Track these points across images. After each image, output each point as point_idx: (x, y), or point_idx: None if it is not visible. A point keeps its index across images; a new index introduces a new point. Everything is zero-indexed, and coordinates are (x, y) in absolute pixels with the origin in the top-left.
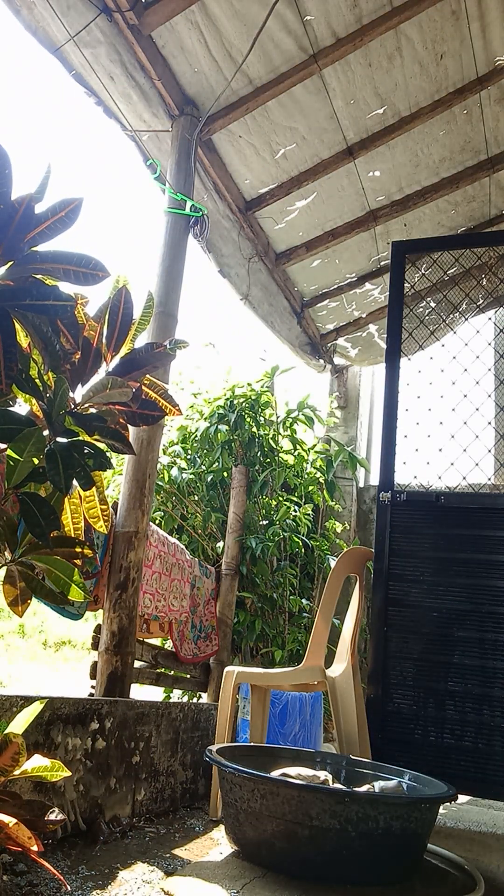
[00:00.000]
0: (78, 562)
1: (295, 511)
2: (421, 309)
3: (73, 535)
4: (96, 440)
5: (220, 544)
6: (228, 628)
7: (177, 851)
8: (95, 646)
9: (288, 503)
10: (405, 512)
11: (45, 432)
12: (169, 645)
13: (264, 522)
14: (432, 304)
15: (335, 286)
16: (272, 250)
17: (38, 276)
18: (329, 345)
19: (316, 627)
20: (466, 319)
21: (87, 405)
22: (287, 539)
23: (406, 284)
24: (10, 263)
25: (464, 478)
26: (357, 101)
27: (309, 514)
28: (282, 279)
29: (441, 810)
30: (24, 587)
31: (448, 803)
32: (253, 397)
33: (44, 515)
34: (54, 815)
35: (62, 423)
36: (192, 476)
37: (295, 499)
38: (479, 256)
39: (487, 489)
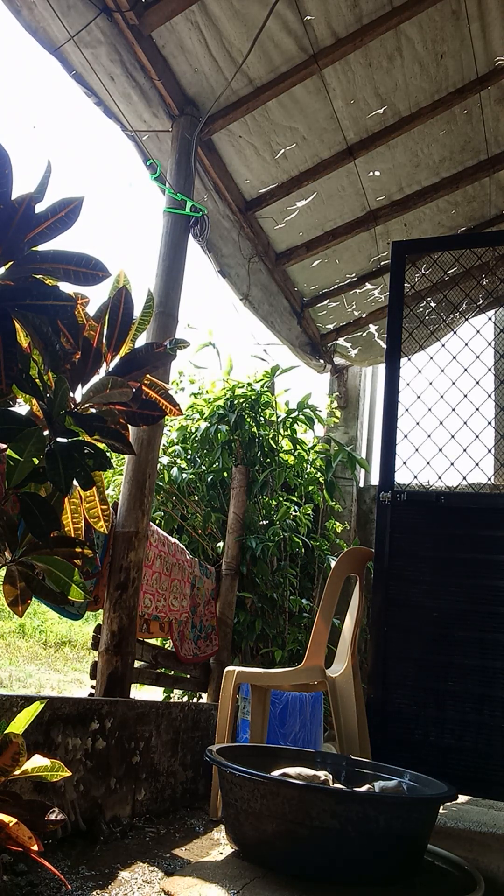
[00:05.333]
0: (78, 562)
1: (295, 511)
2: (421, 309)
3: (73, 535)
4: (96, 440)
5: (220, 544)
6: (228, 628)
7: (177, 851)
8: (95, 646)
9: (288, 503)
10: (405, 512)
11: (45, 432)
12: (169, 645)
13: (264, 522)
14: (432, 304)
15: (335, 286)
16: (272, 250)
17: (38, 276)
18: (329, 345)
19: (316, 627)
20: (466, 319)
21: (87, 405)
22: (287, 539)
23: (406, 284)
24: (10, 263)
25: (464, 478)
26: (357, 101)
27: (309, 514)
28: (282, 279)
29: (441, 810)
30: (24, 587)
31: (448, 803)
32: (253, 397)
33: (44, 515)
34: (54, 815)
35: (62, 423)
36: (192, 476)
37: (295, 499)
38: (479, 256)
39: (487, 489)
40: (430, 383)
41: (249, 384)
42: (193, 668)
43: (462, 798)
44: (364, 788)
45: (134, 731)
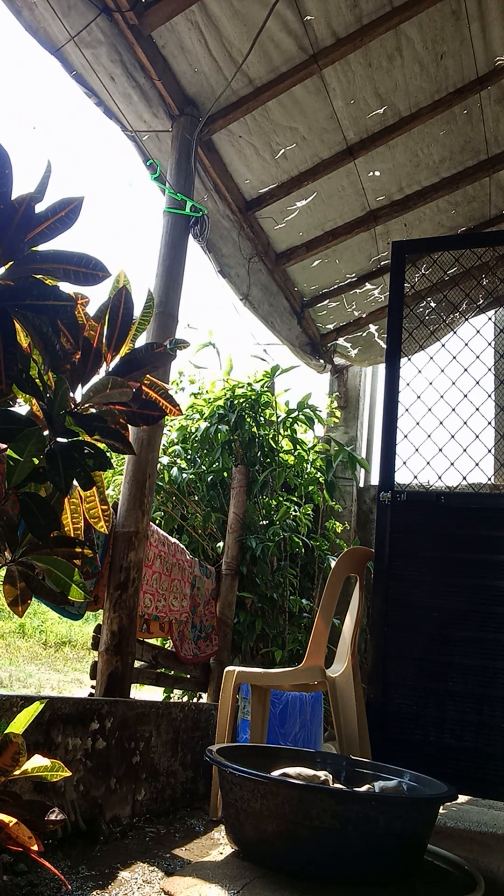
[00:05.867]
0: (78, 562)
1: (295, 511)
2: (421, 309)
3: (73, 535)
4: (96, 440)
5: (220, 544)
6: (228, 628)
7: (177, 851)
8: (95, 646)
9: (288, 503)
10: (405, 512)
11: (45, 432)
12: (169, 645)
13: (264, 522)
14: (432, 304)
15: (335, 286)
16: (272, 250)
17: (38, 276)
18: (329, 345)
19: (316, 627)
20: (466, 319)
21: (87, 405)
22: (287, 539)
23: (406, 284)
24: (10, 263)
25: (464, 478)
26: (357, 101)
27: (309, 514)
28: (282, 279)
29: (441, 810)
30: (24, 587)
31: (448, 803)
32: (253, 397)
33: (44, 515)
34: (54, 815)
35: (62, 423)
36: (192, 476)
37: (295, 499)
38: (479, 256)
39: (487, 489)
40: (430, 383)
41: (249, 384)
42: (193, 668)
43: (462, 798)
44: (364, 788)
45: (134, 731)
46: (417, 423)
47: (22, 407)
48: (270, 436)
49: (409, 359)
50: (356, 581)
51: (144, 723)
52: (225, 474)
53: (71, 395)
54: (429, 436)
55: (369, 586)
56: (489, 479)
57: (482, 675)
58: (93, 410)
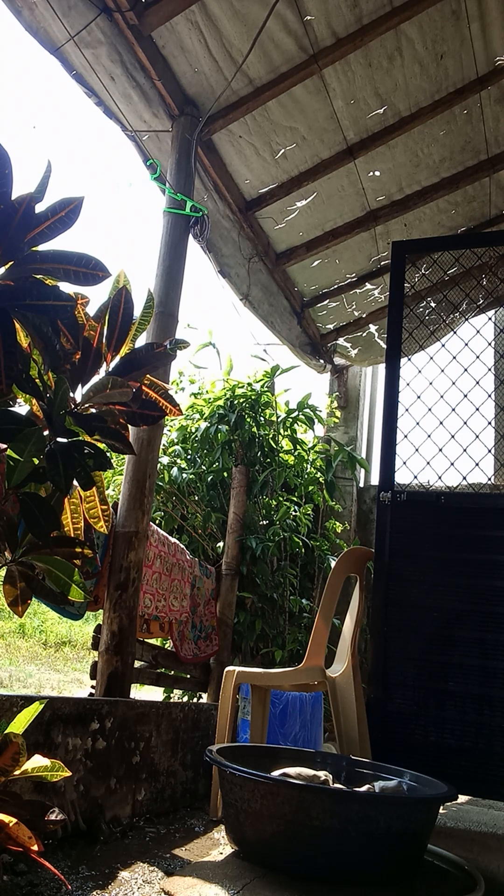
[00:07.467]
0: (78, 562)
1: (295, 511)
2: (421, 309)
3: (73, 535)
4: (96, 440)
5: (220, 544)
6: (228, 628)
7: (177, 851)
8: (95, 646)
9: (288, 503)
10: (405, 512)
11: (46, 432)
12: (169, 645)
13: (264, 522)
14: (432, 304)
15: (335, 286)
16: (272, 250)
17: (38, 276)
18: (329, 345)
19: (316, 627)
20: (466, 319)
21: (87, 405)
22: (287, 539)
23: (406, 284)
24: (10, 263)
25: (464, 478)
26: (357, 101)
27: (309, 514)
28: (282, 279)
29: (441, 810)
30: (24, 587)
31: (448, 803)
32: (253, 397)
33: (44, 515)
34: (54, 815)
35: (62, 423)
36: (192, 476)
37: (295, 499)
38: (479, 256)
39: (487, 489)
40: (430, 383)
41: (249, 384)
42: (193, 668)
43: (462, 798)
44: (364, 788)
45: (134, 731)
46: (417, 423)
47: (22, 407)
48: (270, 436)
49: (409, 359)
50: (356, 581)
51: (144, 723)
52: (225, 474)
53: (71, 395)
54: (429, 436)
55: (369, 586)
56: (489, 479)
57: (482, 675)
58: (93, 410)
